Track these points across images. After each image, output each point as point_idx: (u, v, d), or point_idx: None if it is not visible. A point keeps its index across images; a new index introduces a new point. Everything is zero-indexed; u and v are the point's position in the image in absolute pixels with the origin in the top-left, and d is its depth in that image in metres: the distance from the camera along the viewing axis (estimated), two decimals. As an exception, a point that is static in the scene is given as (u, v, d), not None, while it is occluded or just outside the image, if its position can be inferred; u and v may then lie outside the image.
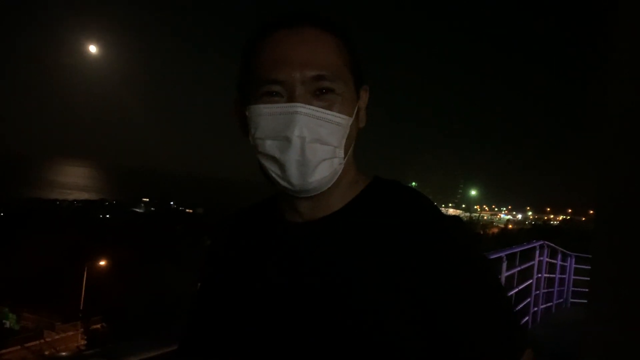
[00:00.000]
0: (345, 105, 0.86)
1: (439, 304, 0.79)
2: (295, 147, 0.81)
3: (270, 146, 0.83)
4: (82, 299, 29.07)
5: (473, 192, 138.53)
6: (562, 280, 8.65)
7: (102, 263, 32.56)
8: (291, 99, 0.82)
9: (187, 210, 77.19)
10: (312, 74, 0.82)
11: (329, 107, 0.83)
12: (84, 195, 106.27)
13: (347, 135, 0.87)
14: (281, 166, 0.83)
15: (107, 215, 61.08)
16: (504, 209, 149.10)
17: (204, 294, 1.05)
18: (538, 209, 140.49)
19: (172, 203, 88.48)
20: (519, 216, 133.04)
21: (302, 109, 0.81)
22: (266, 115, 0.83)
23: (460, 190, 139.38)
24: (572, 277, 8.73)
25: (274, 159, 0.83)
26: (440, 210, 0.88)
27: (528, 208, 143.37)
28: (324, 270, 0.85)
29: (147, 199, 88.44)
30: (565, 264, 8.70)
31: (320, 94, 0.83)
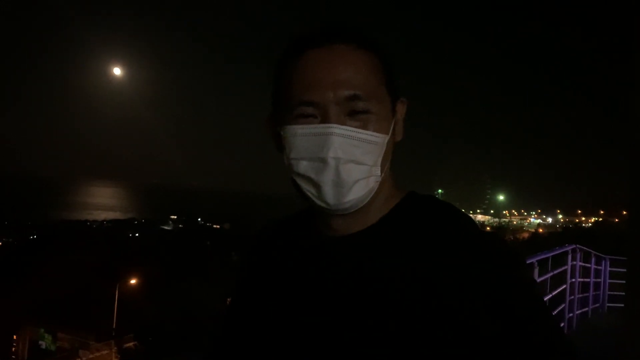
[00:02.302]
0: (381, 123, 0.85)
1: (485, 329, 0.74)
2: (331, 169, 0.81)
3: (305, 167, 0.84)
4: (115, 317, 29.41)
5: (501, 197, 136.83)
6: (597, 284, 8.45)
7: (133, 281, 32.90)
8: (325, 119, 0.82)
9: (215, 226, 77.91)
10: (346, 94, 0.81)
11: (364, 127, 0.83)
12: (113, 215, 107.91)
13: (384, 153, 0.86)
14: (317, 187, 0.83)
15: (137, 234, 62.04)
16: (534, 212, 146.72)
17: (237, 309, 1.03)
18: (568, 212, 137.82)
19: (199, 219, 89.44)
20: (549, 220, 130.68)
21: (337, 129, 0.81)
22: (301, 136, 0.83)
23: (487, 196, 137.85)
24: (608, 280, 8.52)
25: (309, 180, 0.84)
26: (478, 227, 0.86)
27: (558, 211, 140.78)
28: (361, 284, 0.84)
29: (175, 217, 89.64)
30: (600, 267, 8.50)
31: (354, 114, 0.83)
